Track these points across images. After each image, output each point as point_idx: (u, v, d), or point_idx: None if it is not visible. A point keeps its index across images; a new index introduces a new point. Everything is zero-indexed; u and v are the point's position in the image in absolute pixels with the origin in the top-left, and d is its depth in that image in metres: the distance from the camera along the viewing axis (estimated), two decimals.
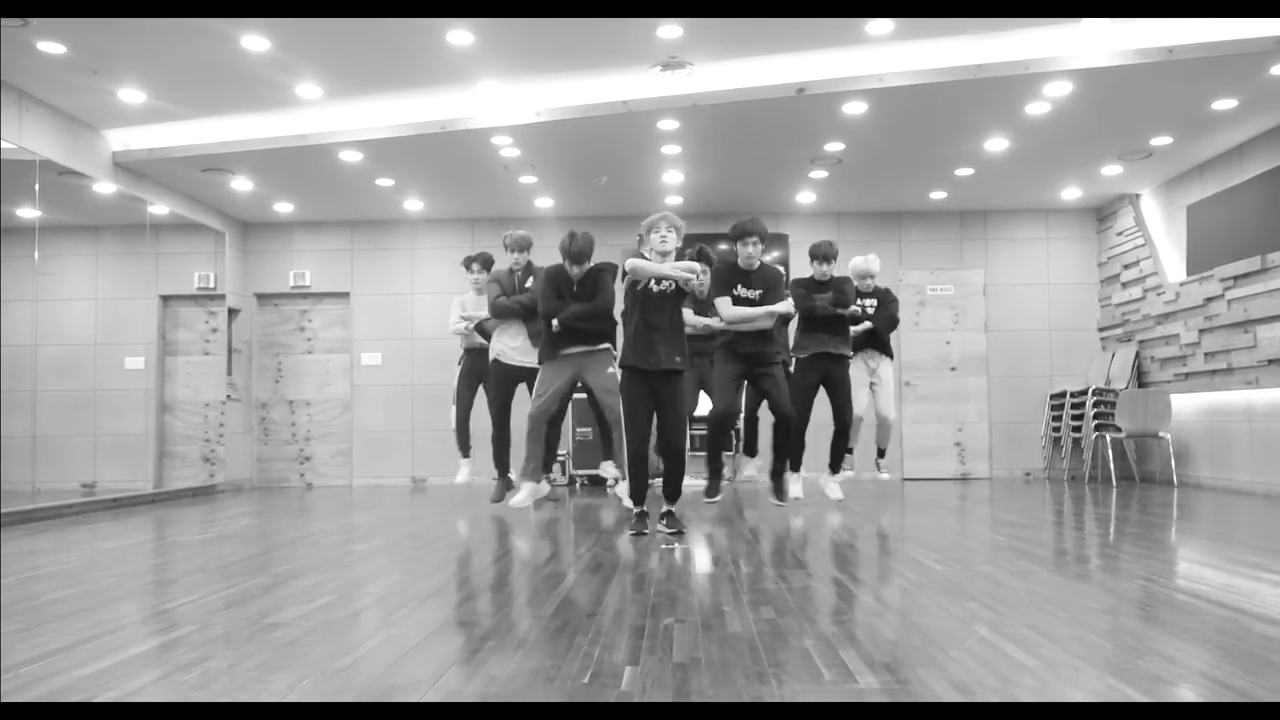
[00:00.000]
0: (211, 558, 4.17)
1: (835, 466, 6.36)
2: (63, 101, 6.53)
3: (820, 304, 5.98)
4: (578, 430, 8.65)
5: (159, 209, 8.02)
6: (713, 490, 5.98)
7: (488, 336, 6.44)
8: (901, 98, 6.34)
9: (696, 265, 4.84)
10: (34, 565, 3.99)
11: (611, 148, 7.42)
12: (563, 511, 6.25)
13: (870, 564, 3.76)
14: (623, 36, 5.69)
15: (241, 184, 8.17)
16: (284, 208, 9.09)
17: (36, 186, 6.51)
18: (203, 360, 8.78)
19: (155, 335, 8.23)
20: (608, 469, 6.16)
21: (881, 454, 6.83)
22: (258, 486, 9.55)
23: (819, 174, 8.23)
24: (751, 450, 6.91)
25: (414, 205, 9.12)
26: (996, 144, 7.39)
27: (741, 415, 6.18)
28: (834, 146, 7.45)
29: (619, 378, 5.44)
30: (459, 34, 5.58)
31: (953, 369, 9.55)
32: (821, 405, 6.11)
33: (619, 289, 5.09)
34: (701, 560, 3.87)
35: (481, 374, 6.65)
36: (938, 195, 8.98)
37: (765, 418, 5.81)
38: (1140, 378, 8.74)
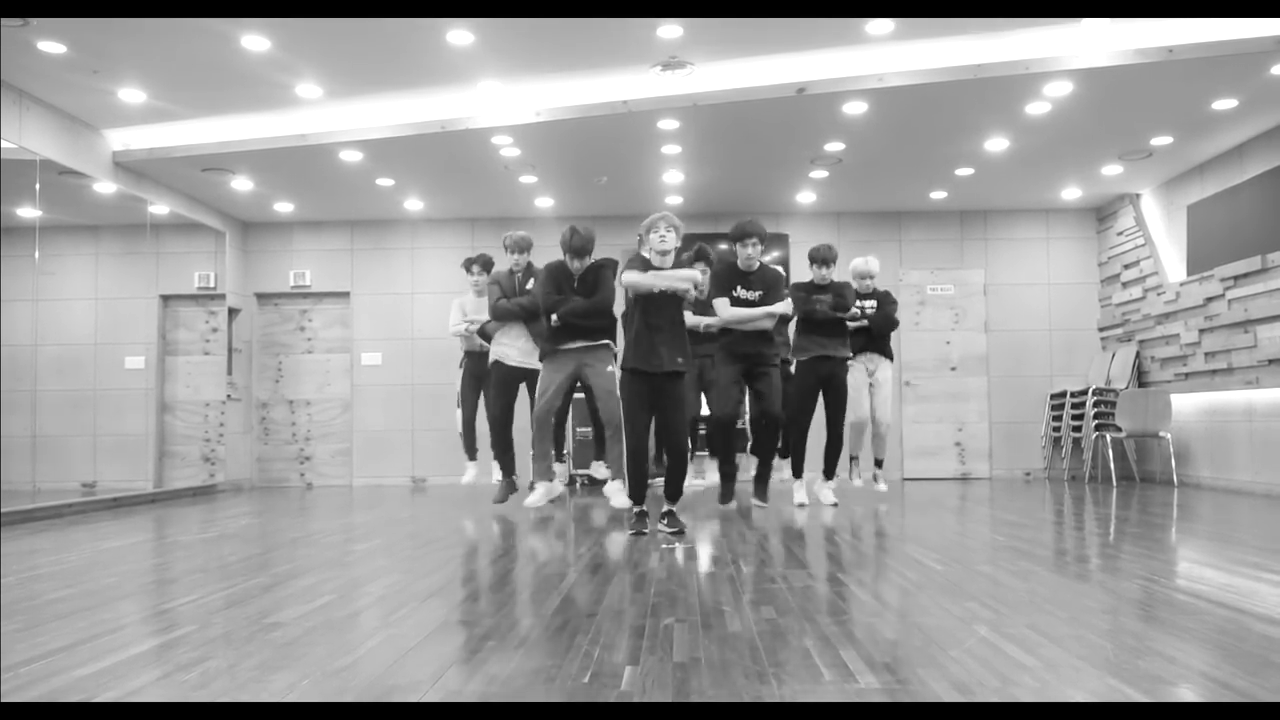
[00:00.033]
0: (211, 557, 4.17)
1: (829, 472, 6.38)
2: (63, 101, 6.53)
3: (820, 308, 6.00)
4: (578, 430, 8.65)
5: (159, 209, 8.02)
6: (726, 495, 5.84)
7: (489, 339, 6.44)
8: (901, 98, 6.34)
9: (695, 275, 4.85)
10: (34, 565, 3.99)
11: (611, 148, 7.42)
12: (563, 511, 6.25)
13: (870, 564, 3.76)
14: (623, 36, 5.69)
15: (242, 184, 8.17)
16: (284, 207, 9.09)
17: (37, 186, 6.51)
18: (203, 360, 8.79)
19: (155, 335, 8.23)
20: (599, 469, 6.16)
21: (879, 464, 6.80)
22: (258, 486, 9.56)
23: (819, 174, 8.23)
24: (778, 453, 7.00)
25: (414, 205, 9.12)
26: (996, 144, 7.39)
27: (748, 418, 6.17)
28: (834, 146, 7.45)
29: (617, 377, 5.46)
30: (459, 34, 5.58)
31: (953, 369, 9.55)
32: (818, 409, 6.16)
33: (619, 285, 5.09)
34: (701, 560, 3.87)
35: (482, 376, 6.65)
36: (938, 195, 8.98)
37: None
38: (1140, 377, 8.74)
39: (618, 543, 4.47)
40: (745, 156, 7.71)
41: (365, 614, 2.85)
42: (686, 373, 4.92)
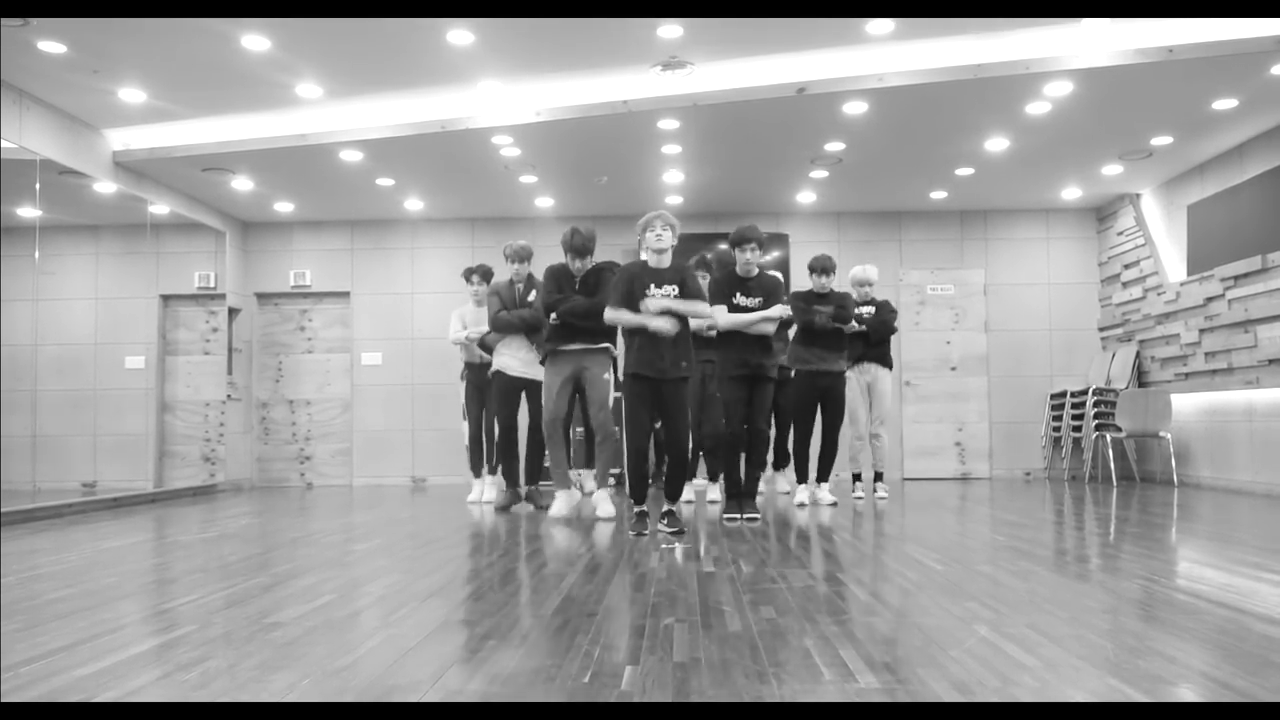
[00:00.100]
0: (211, 557, 4.17)
1: (824, 475, 6.48)
2: (63, 101, 6.53)
3: (820, 318, 6.06)
4: (577, 430, 8.65)
5: (159, 208, 8.02)
6: (732, 509, 5.80)
7: (489, 351, 6.46)
8: (901, 97, 6.34)
9: (705, 310, 4.90)
10: (34, 565, 4.00)
11: (611, 147, 7.42)
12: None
13: (870, 564, 3.76)
14: (623, 36, 5.68)
15: (242, 184, 8.17)
16: (284, 207, 9.09)
17: (37, 186, 6.51)
18: (203, 360, 8.79)
19: (155, 335, 8.23)
20: (588, 480, 6.14)
21: (879, 476, 6.84)
22: (258, 486, 9.56)
23: (819, 174, 8.23)
24: (780, 462, 7.03)
25: (414, 205, 9.12)
26: (997, 144, 7.39)
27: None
28: (834, 146, 7.45)
29: (613, 386, 5.52)
30: (459, 34, 5.58)
31: (953, 369, 9.55)
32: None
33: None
34: (701, 560, 3.87)
35: (484, 388, 6.70)
36: (938, 195, 8.98)
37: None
38: (1140, 377, 8.74)
39: (618, 543, 4.47)
40: (745, 156, 7.71)
41: (365, 614, 2.85)
42: (690, 377, 4.93)
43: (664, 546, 4.30)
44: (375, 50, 5.81)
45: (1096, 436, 8.59)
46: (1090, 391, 8.66)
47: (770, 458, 7.02)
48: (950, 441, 9.52)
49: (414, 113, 6.90)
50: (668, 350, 4.77)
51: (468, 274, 6.93)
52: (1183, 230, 8.24)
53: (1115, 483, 8.38)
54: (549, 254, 8.03)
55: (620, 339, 5.27)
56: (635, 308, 4.81)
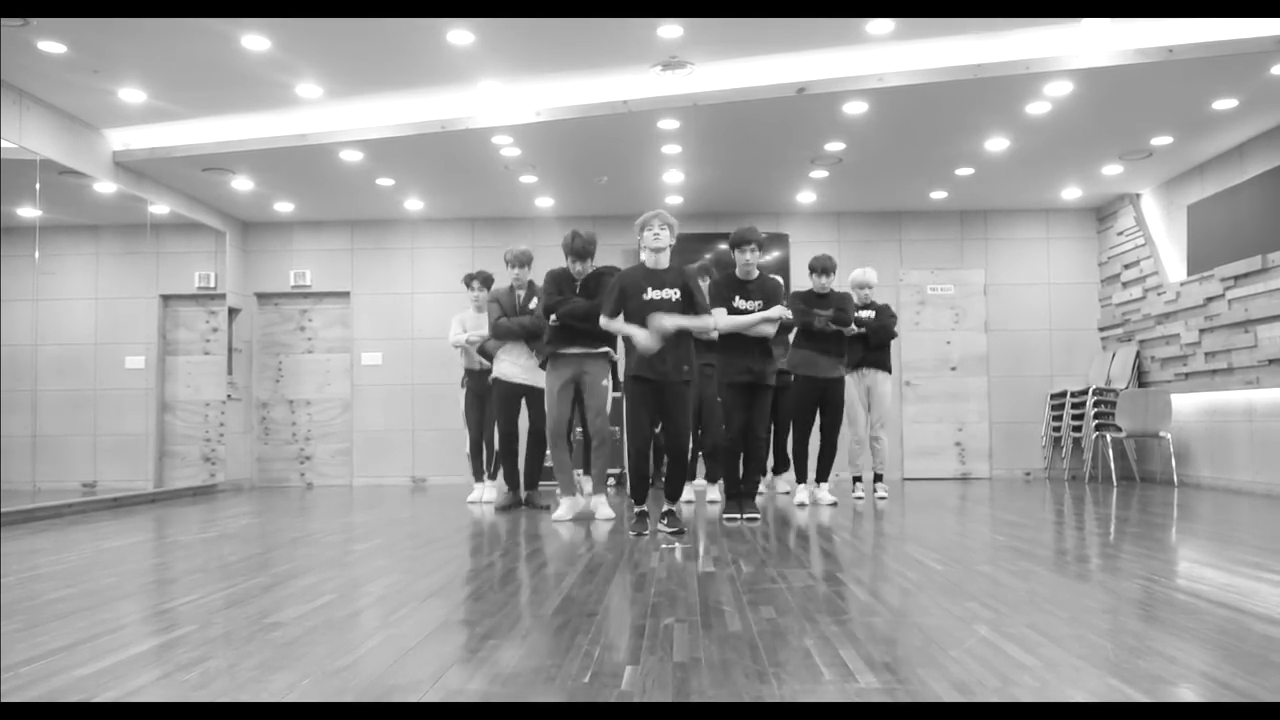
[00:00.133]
0: (211, 557, 4.17)
1: (823, 475, 6.50)
2: (63, 101, 6.53)
3: (820, 321, 6.06)
4: (576, 431, 8.64)
5: (159, 208, 8.02)
6: (732, 509, 5.78)
7: (489, 358, 6.47)
8: (901, 97, 6.34)
9: (710, 324, 4.93)
10: (34, 565, 4.00)
11: (611, 147, 7.42)
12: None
13: (871, 564, 3.76)
14: (623, 36, 5.69)
15: (242, 184, 8.17)
16: (284, 207, 9.09)
17: (37, 186, 6.51)
18: (203, 360, 8.79)
19: (155, 335, 8.23)
20: (585, 484, 6.13)
21: (879, 478, 6.85)
22: (258, 486, 9.56)
23: (819, 174, 8.23)
24: (780, 467, 7.04)
25: (414, 205, 9.12)
26: (997, 144, 7.39)
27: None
28: (834, 146, 7.45)
29: (611, 389, 5.54)
30: (459, 34, 5.58)
31: (953, 369, 9.55)
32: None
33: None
34: (701, 560, 3.87)
35: (484, 394, 6.71)
36: (938, 195, 8.98)
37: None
38: (1140, 377, 8.74)
39: (618, 543, 4.47)
40: (745, 156, 7.71)
41: (365, 614, 2.85)
42: (691, 381, 4.94)
43: (664, 546, 4.30)
44: (375, 50, 5.81)
45: (1096, 436, 8.59)
46: (1090, 391, 8.66)
47: (770, 463, 7.03)
48: (950, 441, 9.52)
49: (414, 113, 6.90)
50: (669, 353, 4.79)
51: (468, 280, 6.94)
52: (1183, 230, 8.24)
53: (1115, 483, 8.38)
54: (549, 254, 8.04)
55: (620, 343, 5.29)
56: (630, 315, 4.81)
